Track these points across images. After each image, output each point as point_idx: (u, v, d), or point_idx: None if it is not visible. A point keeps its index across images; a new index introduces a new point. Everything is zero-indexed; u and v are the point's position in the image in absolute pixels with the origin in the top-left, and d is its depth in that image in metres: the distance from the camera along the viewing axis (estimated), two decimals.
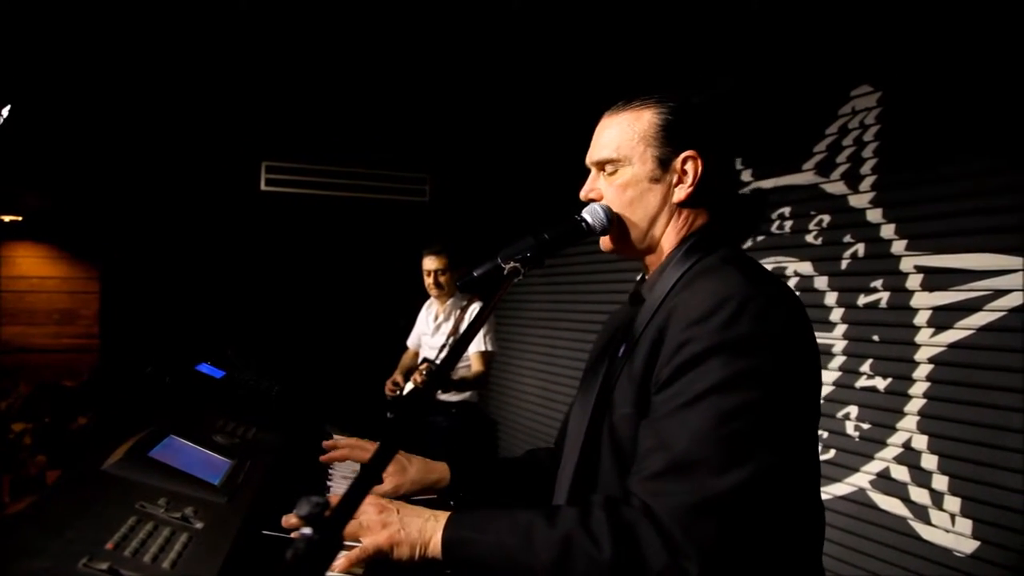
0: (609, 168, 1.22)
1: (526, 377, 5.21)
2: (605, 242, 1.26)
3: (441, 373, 0.87)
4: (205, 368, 1.74)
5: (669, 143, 1.18)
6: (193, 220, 5.23)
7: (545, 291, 5.01)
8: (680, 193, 1.20)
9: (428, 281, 4.09)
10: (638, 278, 1.34)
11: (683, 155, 1.18)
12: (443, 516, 1.05)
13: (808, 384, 1.09)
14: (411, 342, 4.50)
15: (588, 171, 1.30)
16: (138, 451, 1.10)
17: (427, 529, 1.03)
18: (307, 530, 0.57)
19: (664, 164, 1.19)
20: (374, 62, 4.32)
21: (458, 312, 4.09)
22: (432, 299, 4.25)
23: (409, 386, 3.99)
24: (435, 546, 1.02)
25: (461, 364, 4.10)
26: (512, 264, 1.17)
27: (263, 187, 5.22)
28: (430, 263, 4.04)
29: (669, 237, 1.22)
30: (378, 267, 5.50)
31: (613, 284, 4.21)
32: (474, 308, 4.05)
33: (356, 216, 5.60)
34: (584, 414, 1.25)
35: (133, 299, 5.11)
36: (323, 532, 0.57)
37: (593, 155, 1.25)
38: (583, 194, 1.27)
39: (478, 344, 3.99)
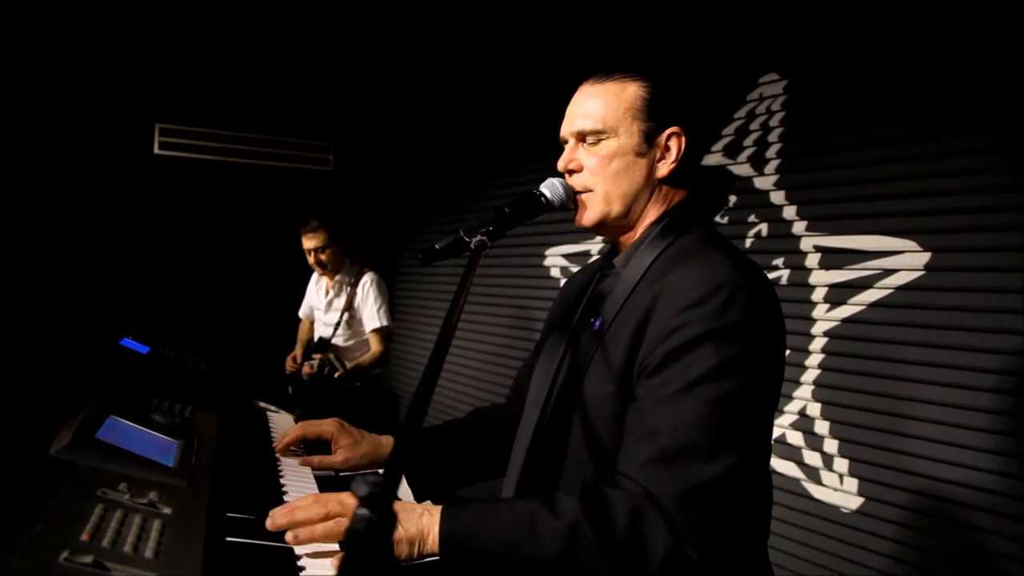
0: (591, 139, 1.21)
1: (428, 351, 5.18)
2: (581, 217, 1.25)
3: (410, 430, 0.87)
4: (129, 343, 1.62)
5: (654, 118, 1.19)
6: (76, 183, 4.77)
7: (445, 264, 4.99)
8: (663, 169, 1.21)
9: (310, 260, 3.93)
10: (607, 250, 1.35)
11: (668, 131, 1.19)
12: (436, 510, 1.01)
13: (780, 368, 1.15)
14: (303, 313, 4.37)
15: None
16: (84, 434, 1.02)
17: (423, 524, 0.99)
18: (363, 511, 0.55)
19: (649, 139, 1.19)
20: (278, 23, 4.10)
21: (349, 288, 3.98)
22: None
23: (305, 368, 3.88)
24: (433, 541, 0.98)
25: (359, 338, 4.02)
26: (479, 238, 1.16)
27: (157, 150, 4.86)
28: (308, 241, 3.88)
29: (649, 213, 1.23)
30: (280, 237, 5.26)
31: (513, 259, 4.23)
32: (366, 280, 3.95)
33: (257, 184, 5.33)
34: (545, 381, 1.25)
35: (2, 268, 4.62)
36: (379, 511, 0.55)
37: (573, 125, 1.23)
38: (562, 165, 1.24)
39: (374, 320, 3.89)
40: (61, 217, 4.75)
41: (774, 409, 1.16)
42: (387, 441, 1.46)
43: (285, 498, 1.18)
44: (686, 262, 1.12)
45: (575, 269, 3.79)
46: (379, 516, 0.55)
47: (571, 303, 1.38)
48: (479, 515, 1.01)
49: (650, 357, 1.07)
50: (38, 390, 1.22)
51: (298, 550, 0.96)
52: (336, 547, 0.99)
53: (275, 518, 0.98)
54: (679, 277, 1.09)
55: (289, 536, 0.96)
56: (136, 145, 4.90)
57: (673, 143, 1.20)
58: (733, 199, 2.91)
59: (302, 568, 0.92)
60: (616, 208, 1.22)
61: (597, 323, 1.20)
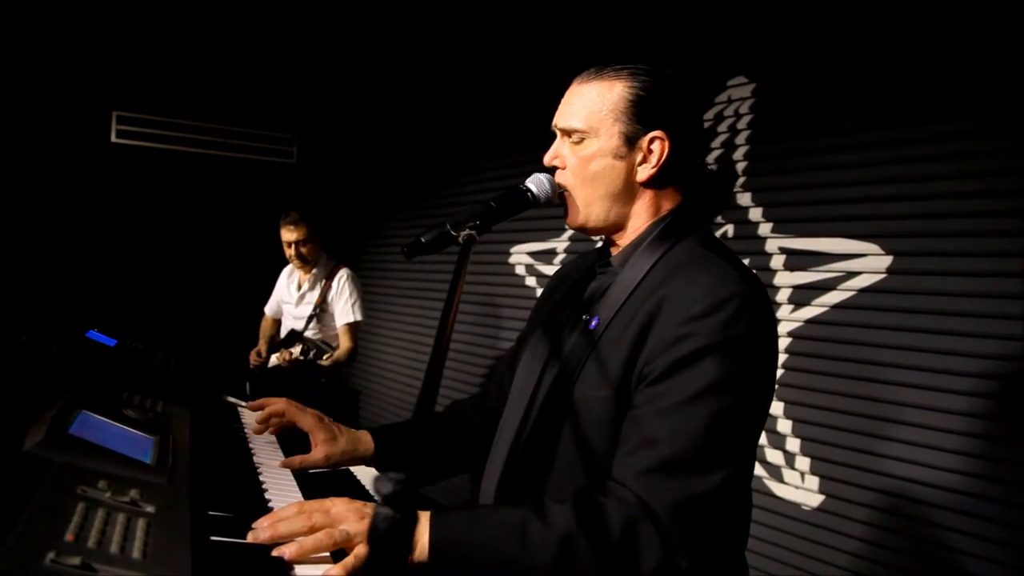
0: (575, 137, 1.20)
1: (390, 347, 5.14)
2: (567, 219, 1.25)
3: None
4: (95, 336, 1.55)
5: (638, 120, 1.17)
6: (29, 170, 4.55)
7: (408, 260, 4.94)
8: (643, 173, 1.19)
9: (289, 252, 3.88)
10: (601, 246, 1.34)
11: (650, 135, 1.17)
12: (424, 517, 0.97)
13: (774, 382, 1.16)
14: (269, 309, 4.29)
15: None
16: (57, 429, 0.97)
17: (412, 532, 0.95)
18: (386, 510, 0.54)
19: (630, 142, 1.18)
20: (241, 10, 4.00)
21: (324, 281, 3.94)
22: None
23: (274, 359, 3.82)
24: (422, 549, 0.94)
25: (328, 332, 3.97)
26: (467, 231, 1.15)
27: (114, 139, 4.69)
28: (288, 234, 3.83)
29: (637, 215, 1.22)
30: (241, 230, 5.13)
31: (478, 256, 4.22)
32: (342, 275, 3.92)
33: (218, 175, 5.18)
34: (531, 378, 1.24)
35: None
36: (402, 509, 0.54)
37: (559, 121, 1.23)
38: (547, 160, 1.24)
39: (347, 315, 3.86)
40: (13, 206, 4.55)
41: (765, 420, 1.18)
42: (365, 438, 1.43)
43: (265, 495, 1.15)
44: (692, 269, 1.11)
45: (541, 267, 3.80)
46: (403, 514, 0.53)
47: (562, 297, 1.37)
48: (469, 523, 0.98)
49: (653, 364, 1.06)
50: (3, 385, 1.16)
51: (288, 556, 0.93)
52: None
53: (258, 532, 0.93)
54: (687, 285, 1.08)
55: (276, 552, 0.91)
56: (92, 133, 4.73)
57: (656, 147, 1.18)
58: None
59: (291, 568, 0.89)
60: (595, 211, 1.22)
61: (593, 322, 1.19)
